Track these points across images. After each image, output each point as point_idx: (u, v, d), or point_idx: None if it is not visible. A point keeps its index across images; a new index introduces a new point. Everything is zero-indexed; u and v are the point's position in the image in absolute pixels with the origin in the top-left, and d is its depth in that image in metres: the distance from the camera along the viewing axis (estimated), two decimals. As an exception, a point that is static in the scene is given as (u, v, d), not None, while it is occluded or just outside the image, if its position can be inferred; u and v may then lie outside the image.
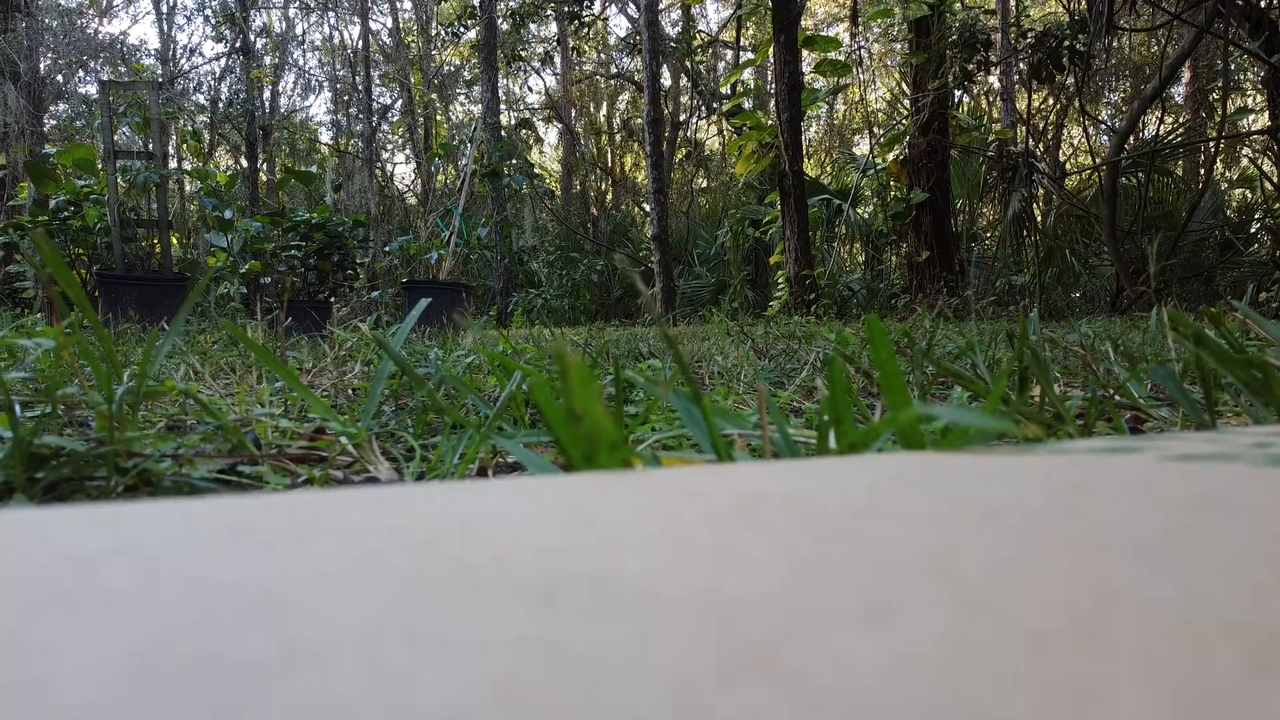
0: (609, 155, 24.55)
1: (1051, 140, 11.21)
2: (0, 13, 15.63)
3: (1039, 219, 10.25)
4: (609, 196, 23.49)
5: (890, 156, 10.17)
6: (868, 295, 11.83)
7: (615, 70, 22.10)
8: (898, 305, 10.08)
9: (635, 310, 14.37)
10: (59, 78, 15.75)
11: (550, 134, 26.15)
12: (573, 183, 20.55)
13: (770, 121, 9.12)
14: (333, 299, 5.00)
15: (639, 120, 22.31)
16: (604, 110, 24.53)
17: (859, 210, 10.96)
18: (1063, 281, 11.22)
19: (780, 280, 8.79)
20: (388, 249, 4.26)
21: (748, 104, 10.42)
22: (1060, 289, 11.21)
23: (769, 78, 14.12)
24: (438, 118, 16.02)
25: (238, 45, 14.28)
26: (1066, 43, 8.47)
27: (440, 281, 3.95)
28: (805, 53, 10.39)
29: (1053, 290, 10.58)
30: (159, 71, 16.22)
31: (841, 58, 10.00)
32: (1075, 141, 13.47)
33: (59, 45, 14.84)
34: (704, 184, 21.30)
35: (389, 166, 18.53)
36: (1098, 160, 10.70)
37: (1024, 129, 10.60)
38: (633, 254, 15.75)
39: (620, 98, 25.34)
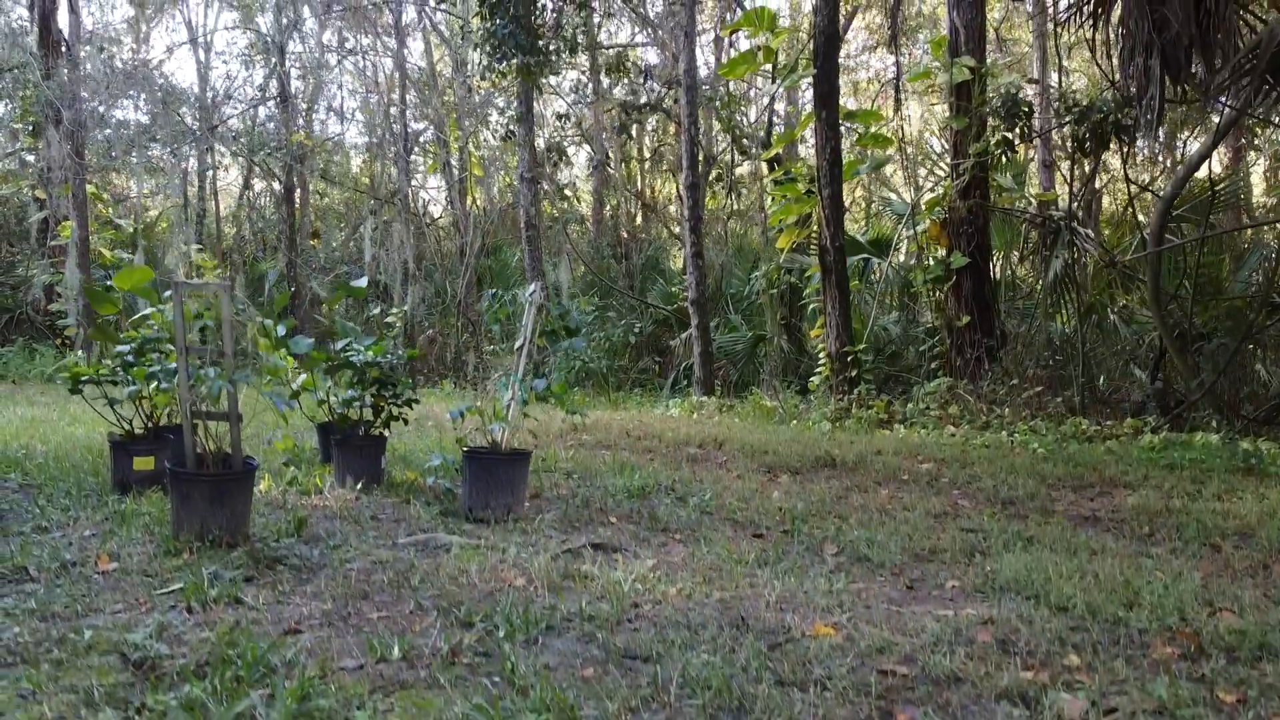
0: (639, 179, 24.59)
1: (1094, 203, 11.09)
2: (42, 54, 15.87)
3: (1079, 280, 10.14)
4: (639, 219, 23.52)
5: (929, 219, 10.11)
6: (903, 341, 11.78)
7: (646, 100, 22.08)
8: (939, 373, 10.04)
9: (669, 355, 14.39)
10: (99, 108, 15.92)
11: (580, 155, 26.20)
12: (604, 213, 20.57)
13: (809, 183, 9.09)
14: (386, 431, 5.05)
15: (669, 144, 22.31)
16: (634, 133, 24.57)
17: (895, 257, 10.89)
18: (1104, 335, 11.11)
19: (821, 355, 8.78)
20: (450, 414, 4.31)
21: (781, 155, 10.36)
22: (1101, 339, 11.10)
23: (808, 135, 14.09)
24: (471, 149, 16.08)
25: (274, 89, 14.43)
26: (1111, 118, 8.38)
27: (501, 452, 3.98)
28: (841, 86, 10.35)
29: (1094, 350, 10.48)
30: (197, 118, 16.41)
31: (885, 132, 9.95)
32: (1118, 197, 13.32)
33: (99, 86, 15.03)
34: (736, 206, 21.25)
35: (423, 198, 18.62)
36: (1141, 224, 10.59)
37: (1066, 192, 10.50)
38: (664, 291, 15.73)
39: (650, 119, 25.36)
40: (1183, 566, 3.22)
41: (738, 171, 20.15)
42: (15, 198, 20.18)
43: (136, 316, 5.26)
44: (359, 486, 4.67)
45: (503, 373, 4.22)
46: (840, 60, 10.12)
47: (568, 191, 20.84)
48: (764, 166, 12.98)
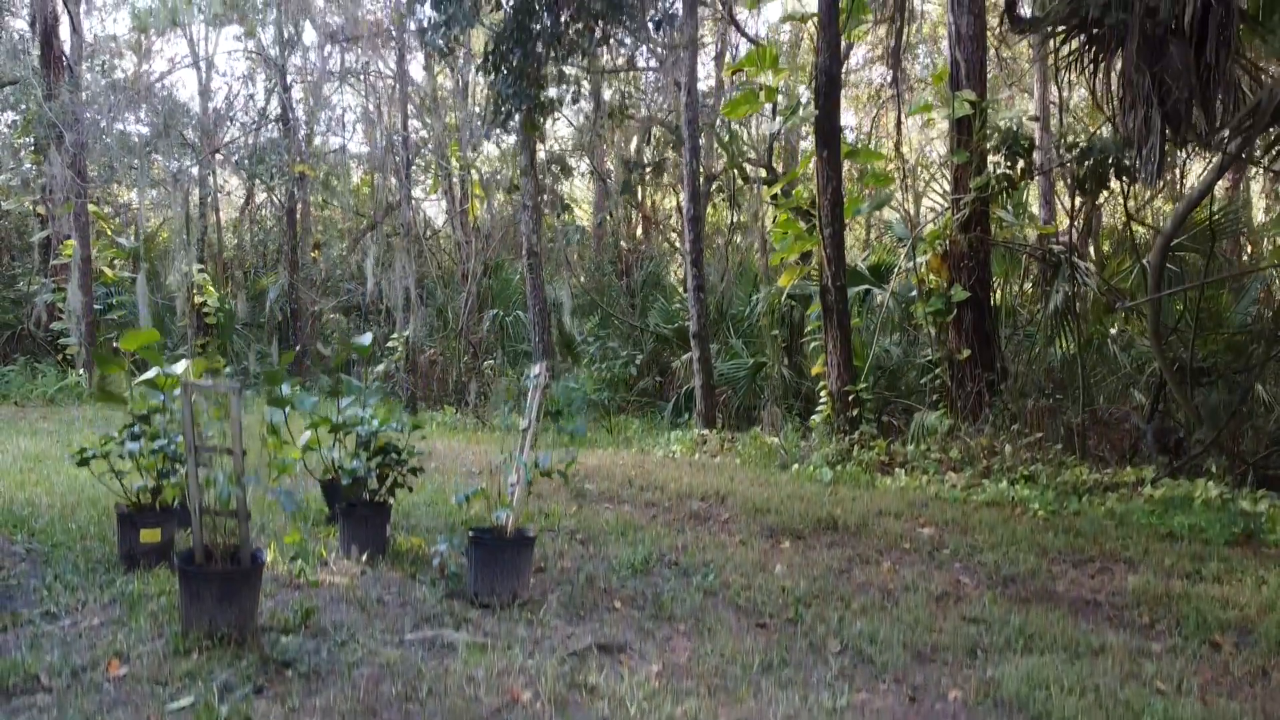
0: (639, 190, 24.60)
1: (1094, 231, 11.10)
2: (44, 71, 15.85)
3: (1079, 312, 10.16)
4: (639, 231, 23.52)
5: (930, 252, 10.13)
6: (904, 363, 11.80)
7: (645, 111, 22.09)
8: (940, 404, 10.06)
9: (670, 376, 14.41)
10: (101, 122, 15.89)
11: (581, 164, 26.20)
12: (604, 229, 20.58)
13: (810, 204, 9.11)
14: (391, 499, 5.08)
15: (670, 156, 22.32)
16: (634, 144, 24.58)
17: (896, 283, 10.90)
18: (1103, 359, 11.14)
19: (823, 393, 8.81)
20: (456, 499, 4.34)
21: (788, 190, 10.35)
22: (1101, 362, 11.12)
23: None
24: (472, 173, 16.09)
25: (275, 106, 14.44)
26: (1111, 158, 8.41)
27: (506, 538, 4.02)
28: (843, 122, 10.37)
29: (1094, 370, 10.50)
30: (199, 139, 16.40)
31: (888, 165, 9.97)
32: (1118, 213, 13.28)
33: (102, 107, 15.02)
34: (738, 218, 21.20)
35: (425, 210, 18.61)
36: (1140, 248, 10.61)
37: (1066, 224, 10.53)
38: (665, 309, 15.72)
39: (651, 130, 25.36)
40: (1183, 671, 3.26)
41: (739, 181, 20.17)
42: (17, 210, 20.19)
43: (141, 379, 5.26)
44: (364, 558, 4.71)
45: (507, 455, 4.25)
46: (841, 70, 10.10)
47: (569, 201, 20.86)
48: (765, 188, 12.99)
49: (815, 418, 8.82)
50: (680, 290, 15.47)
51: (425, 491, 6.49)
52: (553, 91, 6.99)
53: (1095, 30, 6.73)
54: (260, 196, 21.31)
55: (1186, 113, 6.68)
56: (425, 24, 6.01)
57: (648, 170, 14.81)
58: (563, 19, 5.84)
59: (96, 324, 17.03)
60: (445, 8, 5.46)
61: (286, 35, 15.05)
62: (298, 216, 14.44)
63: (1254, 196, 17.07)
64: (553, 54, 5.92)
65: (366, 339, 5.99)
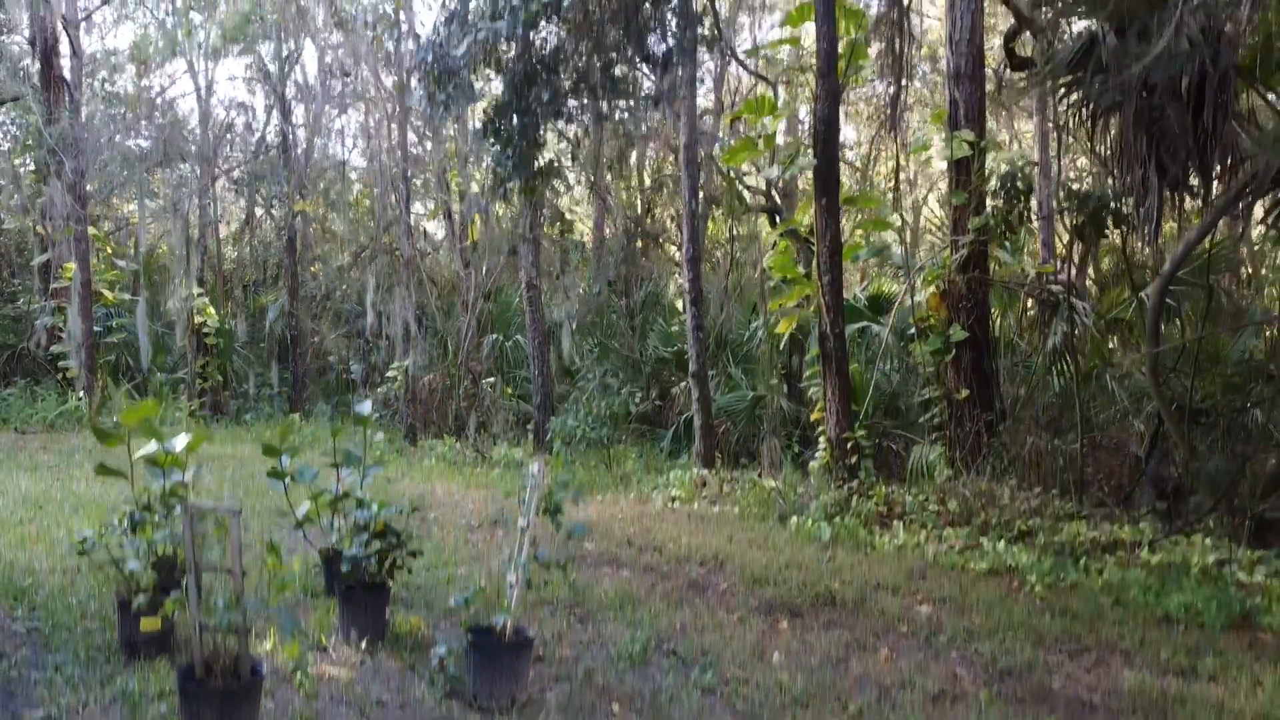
0: (639, 205, 24.59)
1: (1093, 268, 11.11)
2: (44, 94, 15.83)
3: (1077, 349, 10.17)
4: (638, 244, 23.52)
5: (929, 291, 10.14)
6: (902, 390, 11.81)
7: (645, 128, 22.08)
8: (937, 439, 10.08)
9: (672, 405, 14.41)
10: (100, 139, 15.85)
11: (582, 178, 26.18)
12: (603, 245, 20.57)
13: (808, 233, 9.12)
14: (389, 581, 5.10)
15: (669, 172, 22.31)
16: (633, 159, 24.57)
17: (894, 315, 10.92)
18: (1102, 391, 11.15)
19: (821, 440, 8.84)
20: (454, 600, 4.35)
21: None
22: (1100, 394, 11.13)
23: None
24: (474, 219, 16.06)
25: (274, 131, 14.45)
26: (1109, 207, 8.42)
27: (505, 642, 4.04)
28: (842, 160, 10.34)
29: (1092, 411, 10.52)
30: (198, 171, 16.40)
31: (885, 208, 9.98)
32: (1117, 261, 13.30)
33: (102, 122, 14.98)
34: (739, 230, 21.12)
35: (423, 233, 18.61)
36: (1139, 288, 10.62)
37: (1065, 263, 10.55)
38: (665, 331, 15.72)
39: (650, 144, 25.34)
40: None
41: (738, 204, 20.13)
42: (17, 228, 20.18)
43: (140, 454, 5.26)
44: (364, 644, 4.73)
45: (510, 557, 4.26)
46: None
47: (568, 215, 20.85)
48: (767, 226, 13.00)
49: (814, 463, 8.84)
50: (679, 309, 15.47)
51: (425, 548, 6.51)
52: (551, 152, 7.01)
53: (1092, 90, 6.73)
54: (260, 210, 21.34)
55: (1184, 174, 6.70)
56: (424, 103, 6.02)
57: (648, 191, 14.77)
58: (562, 91, 5.85)
59: (96, 346, 17.05)
60: (444, 88, 5.48)
61: (286, 53, 15.01)
62: (297, 245, 14.45)
63: (1254, 226, 17.04)
64: (552, 123, 5.94)
65: (366, 406, 6.00)
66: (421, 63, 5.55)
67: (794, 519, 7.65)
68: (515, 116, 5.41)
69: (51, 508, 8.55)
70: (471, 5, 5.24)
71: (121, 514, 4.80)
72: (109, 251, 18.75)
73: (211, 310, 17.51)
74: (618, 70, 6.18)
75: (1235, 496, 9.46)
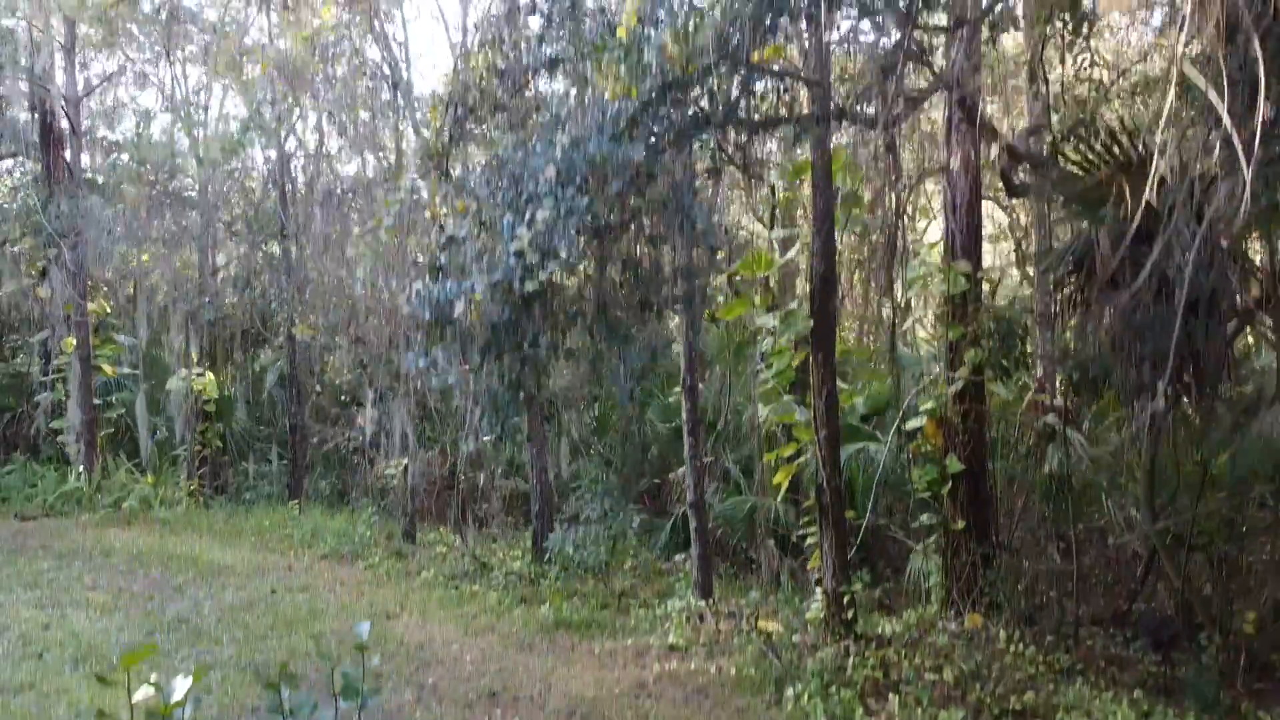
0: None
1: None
2: (45, 179, 15.83)
3: (1072, 478, 10.21)
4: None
5: (926, 418, 10.17)
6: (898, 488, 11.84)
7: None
8: (933, 571, 10.13)
9: (670, 492, 14.44)
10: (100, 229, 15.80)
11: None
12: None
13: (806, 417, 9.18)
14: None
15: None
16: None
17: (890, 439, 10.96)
18: (1100, 511, 11.18)
19: (818, 591, 8.89)
20: None
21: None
22: (1101, 512, 11.15)
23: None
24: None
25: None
26: (1105, 375, 8.45)
27: None
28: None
29: (1088, 555, 10.58)
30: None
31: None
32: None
33: (101, 212, 14.97)
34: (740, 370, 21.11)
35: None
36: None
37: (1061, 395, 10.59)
38: (663, 405, 15.68)
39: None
40: None
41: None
42: (17, 289, 20.17)
43: (139, 699, 5.30)
44: None
45: None
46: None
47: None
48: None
49: (809, 614, 8.90)
50: (676, 390, 15.46)
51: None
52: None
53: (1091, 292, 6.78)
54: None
55: (1178, 376, 6.75)
56: (415, 370, 6.05)
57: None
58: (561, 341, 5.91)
59: (96, 421, 17.08)
60: (436, 366, 5.50)
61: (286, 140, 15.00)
62: (297, 364, 14.53)
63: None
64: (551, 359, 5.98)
65: (364, 629, 6.02)
66: (416, 314, 5.57)
67: (789, 690, 7.69)
68: (509, 352, 5.43)
69: (53, 653, 8.56)
70: (466, 255, 5.27)
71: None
72: (107, 308, 18.78)
73: (211, 378, 17.56)
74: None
75: (1230, 629, 9.51)
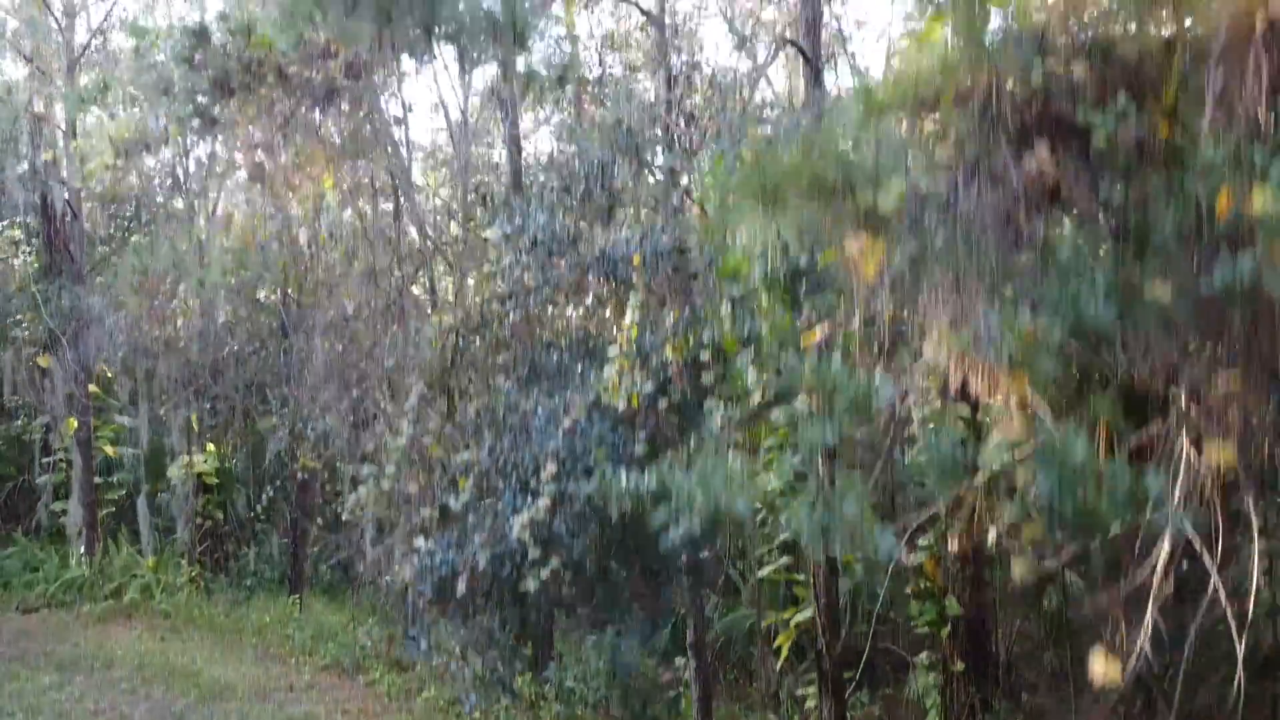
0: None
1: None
2: (47, 276, 15.82)
3: (1070, 626, 10.27)
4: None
5: (925, 557, 10.21)
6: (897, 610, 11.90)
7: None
8: (931, 711, 10.18)
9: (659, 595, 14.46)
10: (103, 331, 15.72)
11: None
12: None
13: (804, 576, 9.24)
14: None
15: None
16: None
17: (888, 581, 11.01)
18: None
19: (817, 753, 8.95)
20: None
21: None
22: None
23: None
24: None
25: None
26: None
27: None
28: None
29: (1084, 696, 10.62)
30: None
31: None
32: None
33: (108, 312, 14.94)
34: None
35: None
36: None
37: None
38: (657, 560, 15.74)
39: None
40: None
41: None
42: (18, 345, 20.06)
43: None
44: None
45: None
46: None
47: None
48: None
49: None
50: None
51: None
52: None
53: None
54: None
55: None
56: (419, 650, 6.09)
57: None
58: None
59: (97, 503, 17.11)
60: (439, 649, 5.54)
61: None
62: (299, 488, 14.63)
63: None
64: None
65: None
66: (418, 594, 5.61)
67: None
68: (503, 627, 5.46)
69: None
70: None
71: None
72: (109, 373, 18.77)
73: (212, 449, 17.61)
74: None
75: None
